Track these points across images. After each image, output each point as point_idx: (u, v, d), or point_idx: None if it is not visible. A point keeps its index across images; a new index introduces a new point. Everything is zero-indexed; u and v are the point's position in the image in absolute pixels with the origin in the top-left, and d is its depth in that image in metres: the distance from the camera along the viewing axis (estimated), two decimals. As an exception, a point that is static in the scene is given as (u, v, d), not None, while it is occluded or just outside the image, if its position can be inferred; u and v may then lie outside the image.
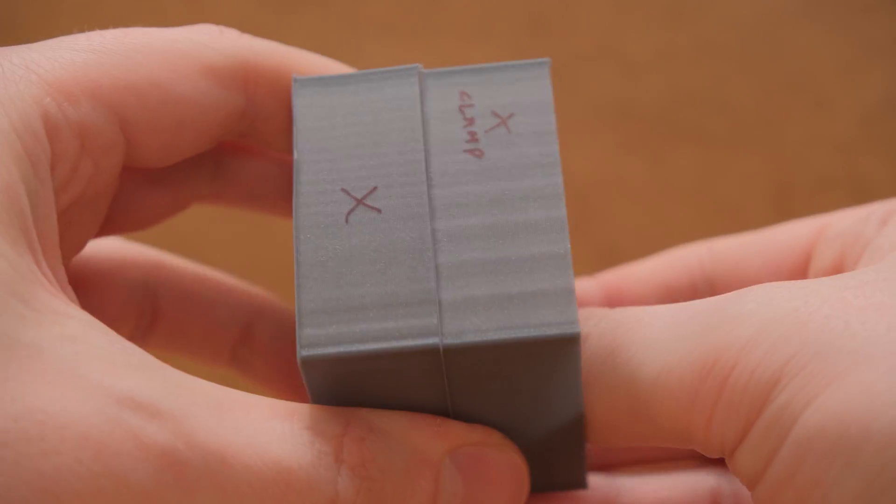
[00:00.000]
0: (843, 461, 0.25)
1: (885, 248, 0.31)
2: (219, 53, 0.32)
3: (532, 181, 0.30)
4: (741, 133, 0.61)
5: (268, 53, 0.33)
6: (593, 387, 0.30)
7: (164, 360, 0.28)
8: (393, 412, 0.29)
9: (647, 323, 0.30)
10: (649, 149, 0.61)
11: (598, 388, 0.30)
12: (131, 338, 0.38)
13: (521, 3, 0.63)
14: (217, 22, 0.34)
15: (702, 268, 0.38)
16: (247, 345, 0.39)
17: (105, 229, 0.35)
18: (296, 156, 0.31)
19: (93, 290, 0.37)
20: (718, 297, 0.29)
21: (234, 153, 0.36)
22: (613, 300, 0.39)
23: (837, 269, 0.33)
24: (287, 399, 0.31)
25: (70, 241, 0.32)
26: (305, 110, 0.31)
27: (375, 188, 0.30)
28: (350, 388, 0.29)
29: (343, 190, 0.30)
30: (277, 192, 0.37)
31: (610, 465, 0.39)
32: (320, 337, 0.28)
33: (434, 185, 0.30)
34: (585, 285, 0.39)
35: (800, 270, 0.36)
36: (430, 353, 0.28)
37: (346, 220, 0.30)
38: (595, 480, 0.37)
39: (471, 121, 0.31)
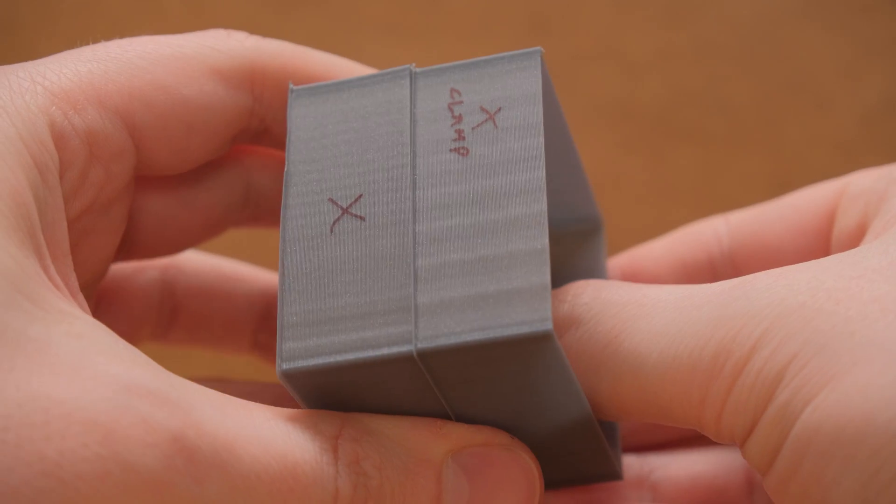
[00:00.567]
0: (840, 461, 0.25)
1: None
2: (224, 55, 0.32)
3: (515, 176, 0.29)
4: (741, 133, 0.61)
5: (275, 53, 0.33)
6: (595, 373, 0.30)
7: (186, 356, 0.28)
8: (391, 416, 0.29)
9: (651, 312, 0.29)
10: (649, 149, 0.61)
11: (601, 374, 0.30)
12: (153, 335, 0.39)
13: (521, 3, 0.63)
14: (217, 22, 0.34)
15: (719, 241, 0.37)
16: (266, 330, 0.40)
17: (137, 253, 0.36)
18: (286, 168, 0.30)
19: (112, 294, 0.38)
20: (722, 285, 0.29)
21: (265, 173, 0.36)
22: (629, 280, 0.38)
23: (861, 228, 0.33)
24: None
25: (89, 250, 0.32)
26: (299, 121, 0.31)
27: (361, 196, 0.30)
28: (341, 397, 0.29)
29: (330, 200, 0.30)
30: None
31: (641, 447, 0.38)
32: (300, 350, 0.28)
33: (418, 188, 0.30)
34: None
35: (824, 233, 0.35)
36: (405, 360, 0.28)
37: (332, 231, 0.29)
38: (626, 460, 0.37)
39: (459, 118, 0.30)
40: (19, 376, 0.25)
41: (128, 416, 0.25)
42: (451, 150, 0.30)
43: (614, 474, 0.34)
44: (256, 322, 0.39)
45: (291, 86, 0.31)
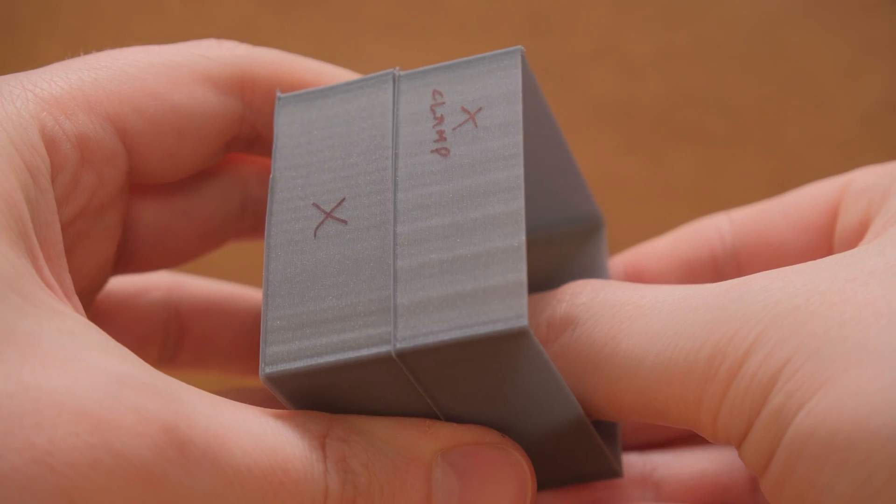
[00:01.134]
0: (833, 465, 0.26)
1: None
2: (214, 62, 0.33)
3: (493, 175, 0.29)
4: (741, 133, 0.61)
5: (265, 60, 0.33)
6: (592, 373, 0.30)
7: (196, 381, 0.28)
8: (380, 417, 0.30)
9: (648, 313, 0.29)
10: (649, 149, 0.61)
11: (598, 375, 0.30)
12: (161, 358, 0.39)
13: (521, 3, 0.63)
14: (217, 22, 0.34)
15: (722, 239, 0.37)
16: None
17: (137, 265, 0.36)
18: (272, 174, 0.31)
19: (115, 315, 0.38)
20: (719, 286, 0.29)
21: (262, 182, 0.37)
22: (633, 278, 0.38)
23: (864, 225, 0.33)
24: None
25: (85, 255, 0.33)
26: (285, 128, 0.31)
27: (343, 200, 0.30)
28: (328, 399, 0.29)
29: (314, 204, 0.30)
30: None
31: (644, 445, 0.38)
32: (282, 353, 0.29)
33: (400, 189, 0.30)
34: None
35: (826, 230, 0.35)
36: (384, 360, 0.28)
37: (315, 235, 0.30)
38: (629, 458, 0.37)
39: (440, 119, 0.30)
40: (9, 368, 0.25)
41: (119, 407, 0.25)
42: (431, 151, 0.30)
43: (613, 472, 0.34)
44: None
45: (278, 93, 0.32)
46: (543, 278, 0.37)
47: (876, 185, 0.33)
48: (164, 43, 0.33)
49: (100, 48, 0.33)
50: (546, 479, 0.32)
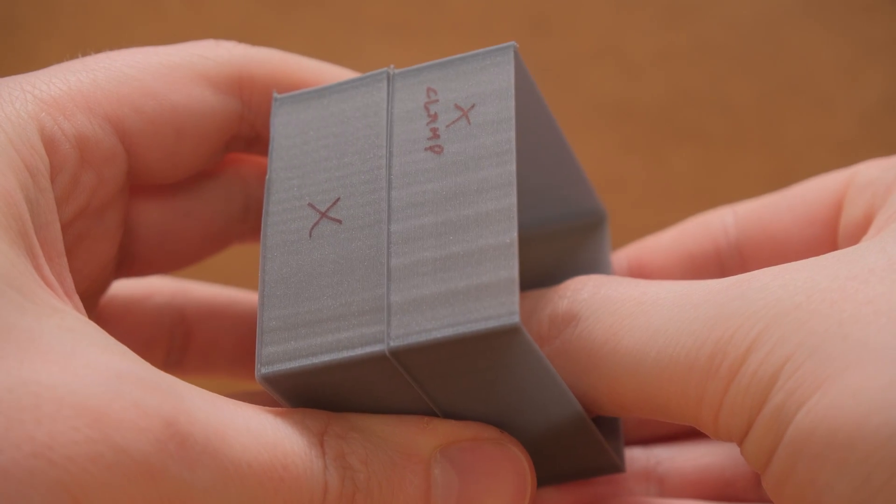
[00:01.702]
0: (833, 464, 0.26)
1: None
2: (212, 62, 0.33)
3: (486, 172, 0.29)
4: (741, 133, 0.61)
5: (264, 60, 0.33)
6: (593, 369, 0.30)
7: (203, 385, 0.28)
8: (378, 415, 0.30)
9: (649, 309, 0.30)
10: (649, 149, 0.61)
11: (600, 371, 0.30)
12: (167, 362, 0.39)
13: (521, 3, 0.63)
14: (217, 22, 0.34)
15: (726, 233, 0.37)
16: None
17: (139, 267, 0.36)
18: (268, 175, 0.31)
19: (121, 319, 0.38)
20: (721, 283, 0.29)
21: (263, 184, 0.37)
22: (636, 272, 0.38)
23: (868, 219, 0.33)
24: None
25: (86, 256, 0.33)
26: (282, 128, 0.31)
27: (338, 199, 0.30)
28: (326, 399, 0.29)
29: (310, 204, 0.30)
30: None
31: (648, 439, 0.38)
32: (278, 354, 0.29)
33: (394, 188, 0.30)
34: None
35: (831, 223, 0.35)
36: (379, 359, 0.28)
37: (310, 235, 0.30)
38: (633, 453, 0.37)
39: (434, 117, 0.30)
40: (9, 363, 0.25)
41: (120, 401, 0.25)
42: (425, 149, 0.30)
43: (615, 467, 0.34)
44: None
45: (275, 94, 0.32)
46: (546, 274, 0.37)
47: (880, 179, 0.33)
48: (163, 43, 0.33)
49: (100, 48, 0.33)
50: (547, 475, 0.33)
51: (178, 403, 0.26)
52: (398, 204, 0.29)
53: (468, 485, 0.30)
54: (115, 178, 0.32)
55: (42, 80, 0.30)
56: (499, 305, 0.27)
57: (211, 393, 0.28)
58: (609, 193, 0.59)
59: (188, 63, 0.32)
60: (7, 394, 0.25)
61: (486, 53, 0.30)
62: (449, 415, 0.30)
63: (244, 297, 0.40)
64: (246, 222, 0.37)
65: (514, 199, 0.28)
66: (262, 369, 0.29)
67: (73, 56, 0.32)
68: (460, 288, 0.28)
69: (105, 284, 0.34)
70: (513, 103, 0.30)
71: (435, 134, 0.30)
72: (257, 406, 0.29)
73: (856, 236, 0.34)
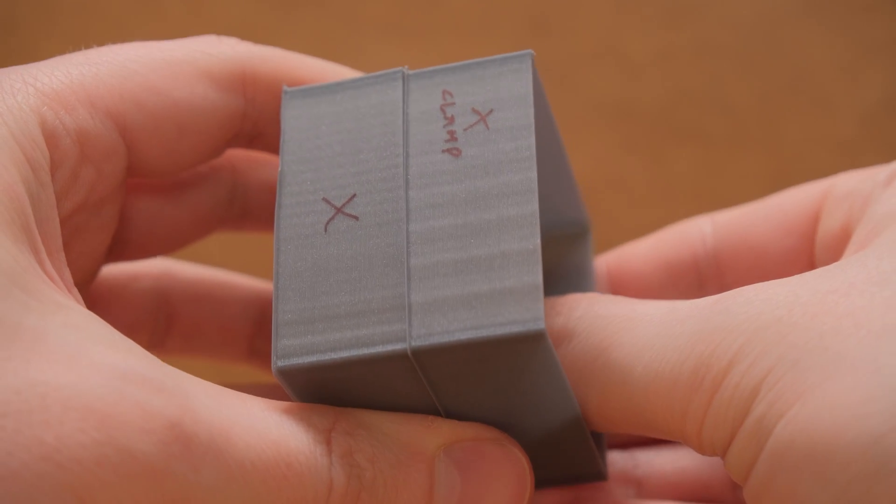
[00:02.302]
0: (812, 476, 0.26)
1: (884, 214, 0.31)
2: (215, 59, 0.33)
3: (506, 177, 0.29)
4: (741, 133, 0.61)
5: (266, 57, 0.33)
6: (585, 384, 0.30)
7: (185, 367, 0.28)
8: (384, 412, 0.30)
9: (638, 325, 0.30)
10: (649, 149, 0.61)
11: (590, 386, 0.30)
12: (149, 344, 0.39)
13: (521, 3, 0.63)
14: (217, 22, 0.34)
15: (704, 242, 0.38)
16: (263, 335, 0.40)
17: (129, 252, 0.36)
18: (280, 168, 0.31)
19: (106, 302, 0.38)
20: (707, 299, 0.29)
21: (251, 172, 0.37)
22: (615, 279, 0.38)
23: (846, 230, 0.33)
24: None
25: (81, 248, 0.33)
26: (293, 122, 0.31)
27: (354, 195, 0.30)
28: (334, 393, 0.29)
29: (324, 199, 0.30)
30: None
31: (627, 443, 0.39)
32: (295, 347, 0.29)
33: (411, 188, 0.30)
34: None
35: (808, 235, 0.35)
36: (398, 357, 0.28)
37: (325, 230, 0.30)
38: (612, 455, 0.37)
39: (451, 119, 0.30)
40: (17, 364, 0.25)
41: (125, 403, 0.25)
42: (443, 151, 0.30)
43: (599, 475, 0.34)
44: (252, 328, 0.40)
45: (285, 87, 0.32)
46: None
47: (857, 191, 0.33)
48: (164, 43, 0.33)
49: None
50: (537, 480, 0.33)
51: (183, 403, 0.26)
52: (416, 204, 0.30)
53: (470, 484, 0.30)
54: (114, 174, 0.32)
55: (44, 72, 0.30)
56: (524, 311, 0.28)
57: (217, 387, 0.28)
58: (609, 193, 0.59)
59: (191, 59, 0.32)
60: (15, 396, 0.25)
61: (504, 60, 0.31)
62: (452, 415, 0.30)
63: (229, 280, 0.40)
64: (231, 208, 0.37)
65: (536, 206, 0.29)
66: (279, 362, 0.29)
67: (73, 51, 0.32)
68: (483, 291, 0.28)
69: (95, 273, 0.34)
70: (532, 111, 0.30)
71: (452, 136, 0.30)
72: (264, 400, 0.29)
73: (833, 247, 0.34)
